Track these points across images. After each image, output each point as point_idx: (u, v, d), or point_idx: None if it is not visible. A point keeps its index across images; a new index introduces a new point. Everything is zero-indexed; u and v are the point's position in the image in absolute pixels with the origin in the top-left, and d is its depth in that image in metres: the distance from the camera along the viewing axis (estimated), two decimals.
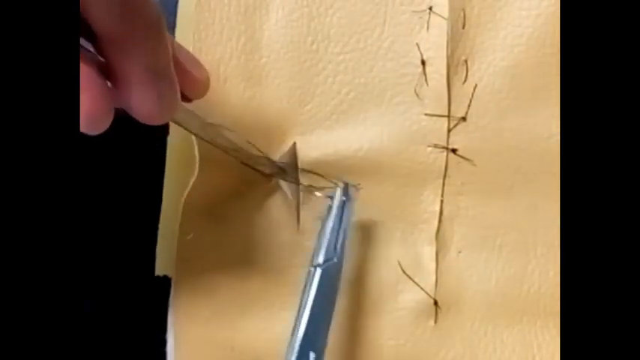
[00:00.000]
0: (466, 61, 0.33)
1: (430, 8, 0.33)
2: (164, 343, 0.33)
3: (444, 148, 0.33)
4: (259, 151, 0.32)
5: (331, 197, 0.31)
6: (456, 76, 0.33)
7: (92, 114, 0.22)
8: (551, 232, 0.33)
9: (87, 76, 0.22)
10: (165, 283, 0.33)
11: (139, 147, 0.34)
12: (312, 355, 0.28)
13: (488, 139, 0.33)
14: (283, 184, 0.33)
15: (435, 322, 0.32)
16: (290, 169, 0.33)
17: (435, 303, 0.32)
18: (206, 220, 0.33)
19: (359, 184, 0.32)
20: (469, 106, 0.33)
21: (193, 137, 0.32)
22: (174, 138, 0.33)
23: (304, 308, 0.29)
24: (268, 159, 0.33)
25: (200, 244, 0.33)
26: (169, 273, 0.33)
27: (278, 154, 0.33)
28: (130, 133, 0.34)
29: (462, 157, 0.33)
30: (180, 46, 0.29)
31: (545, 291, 0.33)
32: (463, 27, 0.33)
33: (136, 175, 0.34)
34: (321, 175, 0.32)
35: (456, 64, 0.33)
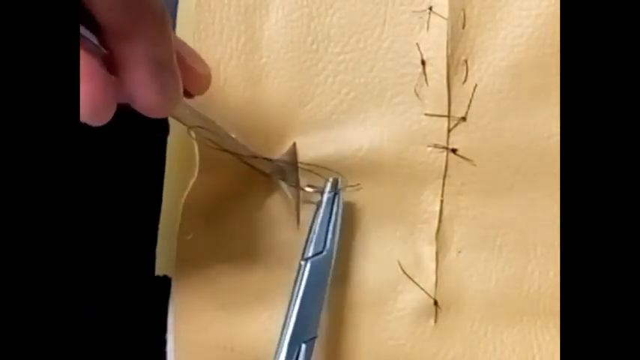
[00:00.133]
0: (466, 61, 0.33)
1: (430, 8, 0.33)
2: (164, 343, 0.33)
3: (444, 148, 0.33)
4: (259, 150, 0.32)
5: (321, 192, 0.32)
6: (456, 76, 0.33)
7: (96, 104, 0.23)
8: (551, 232, 0.33)
9: (91, 67, 0.22)
10: (165, 283, 0.33)
11: (139, 147, 0.34)
12: (302, 346, 0.30)
13: (488, 139, 0.33)
14: (283, 183, 0.33)
15: (435, 322, 0.32)
16: (290, 168, 0.33)
17: (435, 303, 0.32)
18: (206, 220, 0.33)
19: (359, 184, 0.32)
20: (469, 106, 0.33)
21: (193, 137, 0.32)
22: (174, 138, 0.33)
23: (295, 301, 0.30)
24: (268, 159, 0.33)
25: (200, 244, 0.33)
26: (169, 273, 0.33)
27: (278, 154, 0.33)
28: (130, 133, 0.34)
29: (462, 157, 0.33)
30: (182, 42, 0.29)
31: (545, 291, 0.33)
32: (463, 27, 0.33)
33: (136, 175, 0.34)
34: (321, 175, 0.32)
35: (456, 64, 0.33)
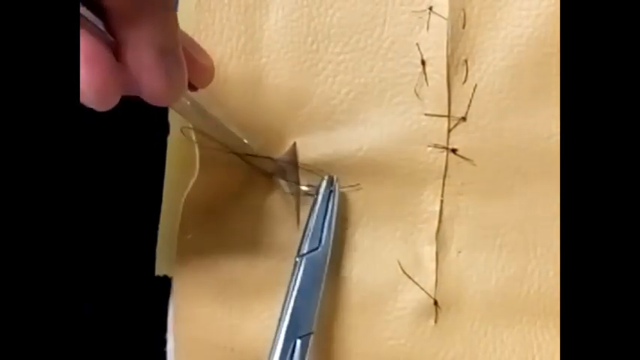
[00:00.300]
0: (466, 61, 0.33)
1: (430, 8, 0.33)
2: (164, 343, 0.33)
3: (444, 148, 0.33)
4: (259, 150, 0.32)
5: (317, 190, 0.32)
6: (456, 76, 0.33)
7: (102, 88, 0.23)
8: (551, 232, 0.33)
9: (97, 51, 0.23)
10: (165, 283, 0.33)
11: (139, 147, 0.34)
12: (297, 342, 0.30)
13: (488, 139, 0.33)
14: (283, 183, 0.33)
15: (435, 321, 0.32)
16: (290, 168, 0.33)
17: (435, 303, 0.32)
18: (206, 220, 0.33)
19: (359, 184, 0.32)
20: (469, 106, 0.33)
21: (191, 137, 0.32)
22: (174, 138, 0.33)
23: (290, 297, 0.31)
24: (268, 158, 0.33)
25: (200, 244, 0.33)
26: (169, 273, 0.33)
27: (278, 154, 0.33)
28: (130, 134, 0.34)
29: (462, 157, 0.33)
30: (185, 34, 0.29)
31: (545, 291, 0.33)
32: (463, 27, 0.33)
33: (136, 174, 0.34)
34: (321, 175, 0.32)
35: (456, 64, 0.33)
